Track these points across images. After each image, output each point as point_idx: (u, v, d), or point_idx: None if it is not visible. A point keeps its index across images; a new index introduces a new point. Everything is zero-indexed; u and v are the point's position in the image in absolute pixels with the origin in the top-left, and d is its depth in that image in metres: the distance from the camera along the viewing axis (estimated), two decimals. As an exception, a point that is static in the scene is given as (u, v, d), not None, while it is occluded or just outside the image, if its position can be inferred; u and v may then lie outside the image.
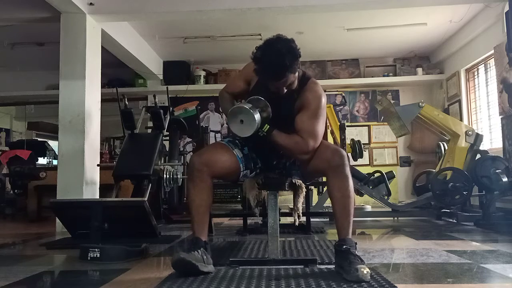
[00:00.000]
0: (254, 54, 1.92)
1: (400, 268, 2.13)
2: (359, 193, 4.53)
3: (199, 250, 1.87)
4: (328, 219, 4.43)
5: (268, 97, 2.00)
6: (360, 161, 4.97)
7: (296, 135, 1.99)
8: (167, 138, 4.37)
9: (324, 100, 2.03)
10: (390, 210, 4.54)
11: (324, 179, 2.20)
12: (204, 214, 2.00)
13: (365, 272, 1.72)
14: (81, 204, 3.08)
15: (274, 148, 2.15)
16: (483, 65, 5.36)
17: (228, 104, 2.17)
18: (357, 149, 4.69)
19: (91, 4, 3.99)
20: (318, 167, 1.99)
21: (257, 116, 1.90)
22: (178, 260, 1.81)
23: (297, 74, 1.96)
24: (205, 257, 1.88)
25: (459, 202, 4.24)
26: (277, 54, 1.85)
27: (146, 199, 2.95)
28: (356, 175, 4.37)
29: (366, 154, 6.06)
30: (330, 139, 5.28)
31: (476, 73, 5.60)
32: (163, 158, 3.92)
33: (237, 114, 1.92)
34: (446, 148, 4.73)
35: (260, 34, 5.43)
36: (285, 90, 1.96)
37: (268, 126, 1.95)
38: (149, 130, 4.33)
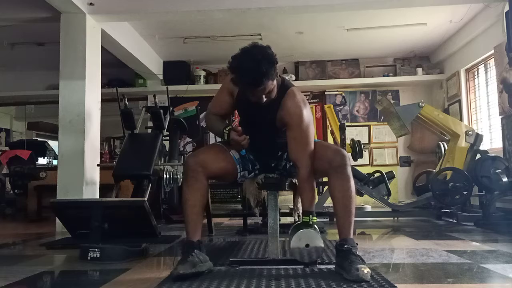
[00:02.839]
0: (230, 64, 1.86)
1: (400, 268, 2.13)
2: (359, 193, 4.53)
3: (193, 253, 1.86)
4: (328, 219, 4.43)
5: (250, 106, 1.98)
6: (360, 161, 4.95)
7: (298, 178, 2.01)
8: (167, 138, 4.38)
9: (305, 109, 1.98)
10: (390, 210, 4.53)
11: (324, 179, 2.20)
12: (198, 214, 2.00)
13: (365, 271, 1.72)
14: (81, 204, 3.08)
15: (272, 151, 2.16)
16: (483, 65, 5.36)
17: (217, 122, 2.10)
18: (357, 149, 4.68)
19: (91, 4, 3.99)
20: (319, 168, 1.98)
21: (322, 240, 1.91)
22: (179, 276, 1.77)
23: (275, 82, 1.91)
24: (200, 257, 1.88)
25: (459, 202, 4.24)
26: (253, 61, 1.79)
27: (146, 199, 2.95)
28: (356, 175, 4.36)
29: (366, 154, 6.06)
30: (330, 139, 5.28)
31: (476, 73, 5.59)
32: (163, 158, 3.93)
33: (304, 238, 1.90)
34: (446, 148, 4.73)
35: (260, 34, 5.44)
36: (265, 99, 1.90)
37: (303, 216, 1.96)
38: (149, 130, 4.33)
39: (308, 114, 1.99)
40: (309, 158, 1.96)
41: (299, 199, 2.20)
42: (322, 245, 1.91)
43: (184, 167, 2.02)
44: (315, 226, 1.95)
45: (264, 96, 1.88)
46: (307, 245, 1.89)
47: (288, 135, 1.99)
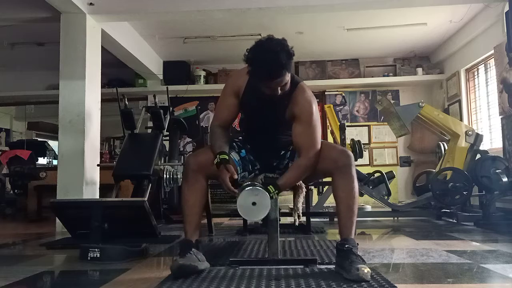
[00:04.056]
0: (246, 56, 1.86)
1: (400, 268, 2.13)
2: (359, 193, 4.52)
3: (191, 252, 1.87)
4: (328, 219, 4.43)
5: (260, 102, 1.98)
6: (360, 161, 4.96)
7: (296, 161, 1.99)
8: (167, 138, 4.37)
9: (314, 105, 1.99)
10: (390, 210, 4.53)
11: (325, 179, 2.20)
12: (197, 215, 2.00)
13: (365, 271, 1.72)
14: (81, 204, 3.07)
15: (275, 150, 2.15)
16: (483, 65, 5.36)
17: (217, 140, 1.99)
18: (357, 149, 4.68)
19: (91, 4, 3.99)
20: (324, 167, 1.98)
21: (267, 195, 1.84)
22: (179, 267, 1.80)
23: (290, 74, 1.91)
24: (199, 256, 1.89)
25: (459, 202, 4.24)
26: (272, 52, 1.79)
27: (146, 199, 2.95)
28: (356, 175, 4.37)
29: (366, 154, 6.06)
30: (330, 139, 5.28)
31: (476, 73, 5.59)
32: (163, 158, 3.92)
33: (247, 198, 1.82)
34: (446, 148, 4.73)
35: (260, 34, 5.42)
36: (280, 92, 1.89)
37: (272, 186, 1.88)
38: (149, 130, 4.33)
39: (316, 109, 2.01)
40: (314, 154, 1.94)
41: (299, 199, 2.20)
42: (268, 208, 1.83)
43: (184, 167, 2.02)
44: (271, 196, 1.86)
45: (279, 88, 1.88)
46: (253, 203, 1.83)
47: (296, 128, 1.98)
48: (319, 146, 1.97)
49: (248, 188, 1.84)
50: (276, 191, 1.89)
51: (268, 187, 1.87)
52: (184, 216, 1.98)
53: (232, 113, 2.10)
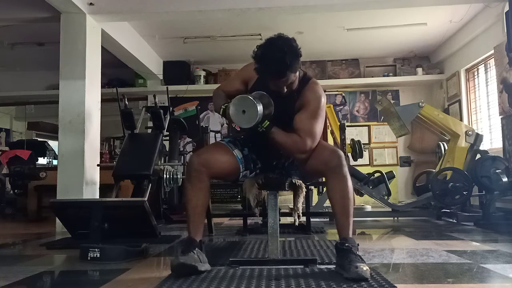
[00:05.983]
0: (255, 52, 1.91)
1: (400, 268, 2.13)
2: (359, 193, 4.53)
3: (194, 251, 1.88)
4: (328, 219, 4.43)
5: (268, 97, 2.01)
6: (360, 161, 4.96)
7: (295, 134, 1.99)
8: (167, 138, 4.37)
9: (323, 100, 2.03)
10: (390, 210, 4.53)
11: (325, 179, 2.19)
12: (200, 214, 2.00)
13: (364, 269, 1.72)
14: (81, 204, 3.07)
15: (274, 149, 2.15)
16: (483, 65, 5.36)
17: (222, 100, 2.11)
18: (357, 149, 4.68)
19: (91, 4, 3.99)
20: (316, 168, 1.99)
21: (259, 108, 1.89)
22: (179, 265, 1.81)
23: (297, 74, 1.96)
24: (201, 256, 1.89)
25: (459, 202, 4.24)
26: (278, 52, 1.84)
27: (146, 199, 2.95)
28: (356, 175, 4.37)
29: (366, 154, 6.06)
30: (330, 139, 5.28)
31: (476, 73, 5.60)
32: (163, 158, 3.92)
33: (240, 104, 1.91)
34: (446, 148, 4.73)
35: (260, 34, 5.43)
36: (286, 90, 1.96)
37: (268, 123, 1.95)
38: (149, 130, 4.33)
39: (324, 105, 2.04)
40: (309, 144, 1.95)
41: (299, 199, 2.20)
42: (255, 120, 1.89)
43: (188, 167, 2.02)
44: (261, 124, 1.93)
45: (285, 87, 1.94)
46: (243, 112, 1.90)
47: (299, 116, 1.99)
48: (316, 141, 1.98)
49: (249, 96, 1.91)
50: (265, 128, 1.94)
51: (265, 120, 1.94)
52: (187, 216, 1.98)
53: (233, 92, 2.17)
